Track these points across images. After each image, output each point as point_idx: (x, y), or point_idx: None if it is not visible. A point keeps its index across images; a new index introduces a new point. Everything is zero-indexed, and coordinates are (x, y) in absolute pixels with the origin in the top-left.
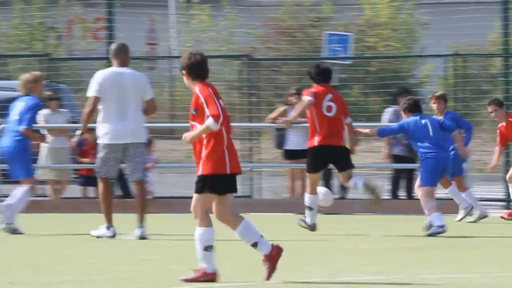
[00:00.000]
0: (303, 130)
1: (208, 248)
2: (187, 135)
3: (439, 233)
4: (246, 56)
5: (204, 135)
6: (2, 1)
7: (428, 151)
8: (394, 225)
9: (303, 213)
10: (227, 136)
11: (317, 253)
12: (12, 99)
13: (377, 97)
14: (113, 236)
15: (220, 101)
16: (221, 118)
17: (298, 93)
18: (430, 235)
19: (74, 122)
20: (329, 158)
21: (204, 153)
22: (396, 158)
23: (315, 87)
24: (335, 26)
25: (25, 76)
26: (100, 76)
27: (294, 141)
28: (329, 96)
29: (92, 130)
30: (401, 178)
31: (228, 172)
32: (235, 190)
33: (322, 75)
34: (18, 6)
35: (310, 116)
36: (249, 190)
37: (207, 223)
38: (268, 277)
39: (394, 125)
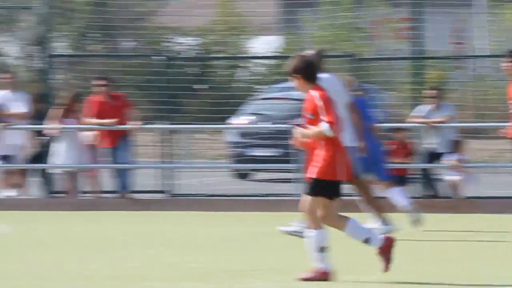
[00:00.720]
0: None
1: (323, 249)
2: (300, 132)
3: None
4: None
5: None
6: (309, 3)
7: None
8: None
9: None
10: (342, 142)
11: None
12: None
13: None
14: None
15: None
16: (337, 125)
17: None
18: None
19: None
20: None
21: (321, 157)
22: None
23: None
24: None
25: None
26: (329, 81)
27: None
28: None
29: (402, 130)
30: None
31: (341, 179)
32: (340, 196)
33: None
34: (324, 7)
35: None
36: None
37: (319, 225)
38: (386, 268)
39: None
